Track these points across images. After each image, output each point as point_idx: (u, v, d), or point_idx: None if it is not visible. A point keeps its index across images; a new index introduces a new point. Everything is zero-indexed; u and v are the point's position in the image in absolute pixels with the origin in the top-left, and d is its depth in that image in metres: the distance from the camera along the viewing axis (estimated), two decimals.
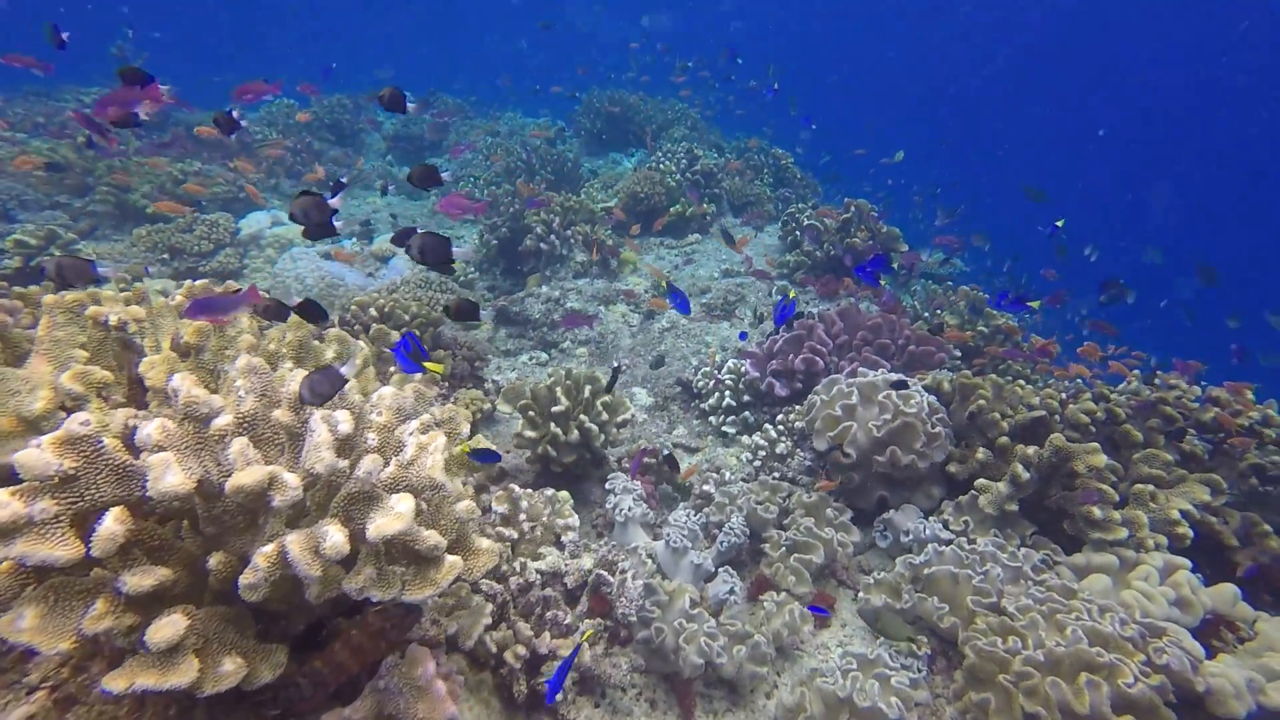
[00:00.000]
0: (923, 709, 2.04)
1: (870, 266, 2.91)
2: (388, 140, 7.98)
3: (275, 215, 5.43)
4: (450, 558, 1.14)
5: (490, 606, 1.65)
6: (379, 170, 7.39)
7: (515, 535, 2.04)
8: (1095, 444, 2.38)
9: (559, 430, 2.60)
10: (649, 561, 2.34)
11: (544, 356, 4.03)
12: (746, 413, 3.27)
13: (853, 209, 4.84)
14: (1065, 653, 1.88)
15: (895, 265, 4.45)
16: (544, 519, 2.16)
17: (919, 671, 2.07)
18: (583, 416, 2.62)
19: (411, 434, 1.22)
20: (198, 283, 1.78)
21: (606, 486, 2.58)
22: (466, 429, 1.63)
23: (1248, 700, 1.86)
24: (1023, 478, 2.34)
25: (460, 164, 7.24)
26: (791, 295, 2.99)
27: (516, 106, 9.68)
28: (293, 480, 0.99)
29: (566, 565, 2.07)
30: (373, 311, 2.71)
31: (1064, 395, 2.75)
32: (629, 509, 2.45)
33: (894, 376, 2.69)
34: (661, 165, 5.82)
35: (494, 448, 1.94)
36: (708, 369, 3.50)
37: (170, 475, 0.91)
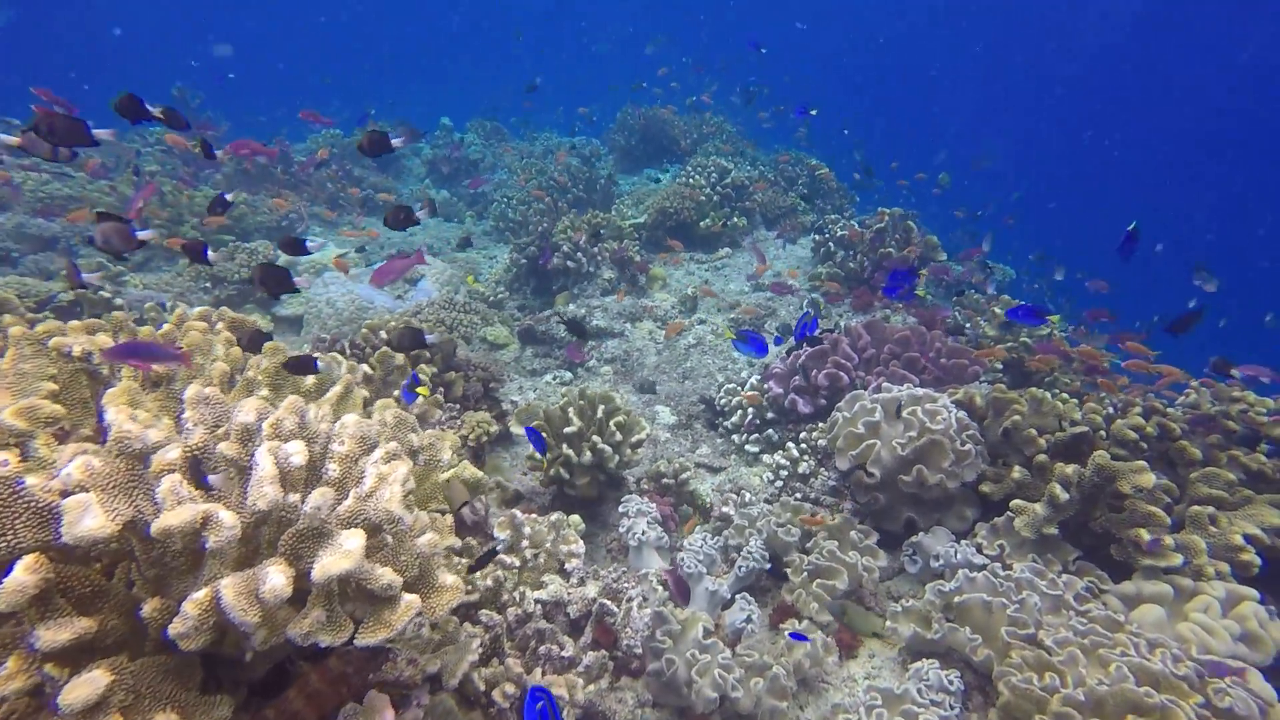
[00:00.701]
0: None
1: (894, 281, 2.75)
2: (425, 164, 8.16)
3: (312, 241, 5.55)
4: (407, 597, 1.08)
5: (478, 642, 1.57)
6: (416, 195, 7.56)
7: (517, 563, 1.97)
8: (1143, 462, 2.18)
9: (571, 452, 2.53)
10: (660, 589, 2.24)
11: (568, 376, 3.98)
12: (770, 430, 3.14)
13: (886, 218, 4.67)
14: (1109, 692, 1.71)
15: (923, 274, 4.25)
16: (548, 545, 2.09)
17: (951, 709, 1.91)
18: (595, 437, 2.55)
19: (374, 464, 1.17)
20: (193, 310, 1.78)
21: (620, 509, 2.50)
22: (448, 455, 1.57)
23: None
24: (1061, 498, 2.16)
25: (493, 186, 7.34)
26: (820, 307, 2.84)
27: (553, 127, 9.79)
28: (228, 519, 0.94)
29: (569, 594, 1.98)
30: (383, 334, 2.70)
31: (1110, 409, 2.55)
32: (642, 533, 2.37)
33: (899, 397, 2.52)
34: (692, 180, 5.74)
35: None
36: (731, 386, 3.39)
37: (89, 518, 0.86)
